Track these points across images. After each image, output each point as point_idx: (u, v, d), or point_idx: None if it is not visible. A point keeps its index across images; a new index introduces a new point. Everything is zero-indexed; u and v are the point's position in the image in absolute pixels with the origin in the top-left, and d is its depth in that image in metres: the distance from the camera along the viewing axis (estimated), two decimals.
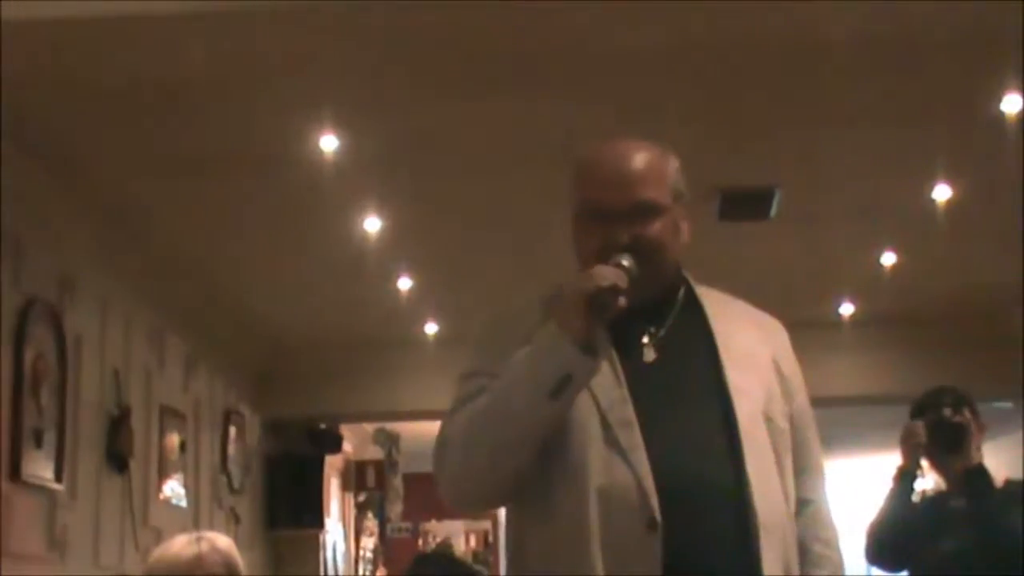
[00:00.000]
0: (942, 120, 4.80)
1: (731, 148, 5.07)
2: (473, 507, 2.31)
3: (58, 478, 5.00)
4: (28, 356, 4.83)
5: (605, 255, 2.04)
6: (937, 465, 3.83)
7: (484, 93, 4.51)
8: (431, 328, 7.55)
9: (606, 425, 2.02)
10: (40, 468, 4.87)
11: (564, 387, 1.95)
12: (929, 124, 4.84)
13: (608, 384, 2.04)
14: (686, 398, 2.09)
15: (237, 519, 7.54)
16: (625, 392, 2.04)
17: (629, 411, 2.03)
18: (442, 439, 2.07)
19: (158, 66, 4.19)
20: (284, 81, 4.37)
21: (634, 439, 2.01)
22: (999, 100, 4.53)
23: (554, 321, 1.98)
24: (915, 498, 3.85)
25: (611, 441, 2.01)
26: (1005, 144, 4.82)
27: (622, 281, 1.98)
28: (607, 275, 1.98)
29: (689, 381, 2.11)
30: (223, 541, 3.07)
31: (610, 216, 2.07)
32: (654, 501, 1.97)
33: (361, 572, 10.82)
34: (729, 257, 6.21)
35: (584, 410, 2.02)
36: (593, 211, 2.09)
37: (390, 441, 10.55)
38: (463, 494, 2.11)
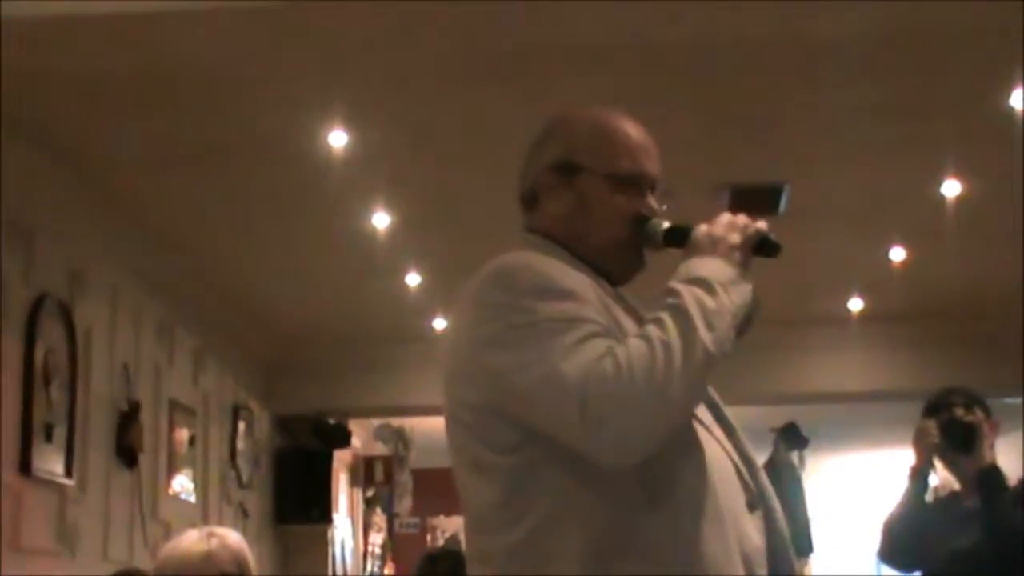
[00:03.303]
0: (951, 115, 4.79)
1: (740, 144, 5.06)
2: (640, 454, 1.80)
3: (68, 473, 5.01)
4: (38, 351, 4.84)
5: (641, 222, 2.03)
6: (950, 465, 3.82)
7: (492, 88, 4.51)
8: (440, 323, 7.56)
9: None
10: (50, 463, 4.88)
11: (746, 326, 1.90)
12: (938, 119, 4.83)
13: None
14: None
15: (246, 514, 7.55)
16: None
17: None
18: (610, 375, 1.76)
19: (168, 61, 4.20)
20: (294, 76, 4.38)
21: (707, 415, 1.98)
22: (1008, 95, 4.52)
23: (728, 263, 1.91)
24: (928, 497, 3.85)
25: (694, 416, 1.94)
26: (1014, 139, 4.81)
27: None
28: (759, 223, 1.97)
29: None
30: (233, 538, 3.07)
31: (645, 186, 2.06)
32: (748, 478, 1.95)
33: (369, 567, 10.83)
34: None
35: None
36: (632, 179, 2.05)
37: (395, 437, 10.55)
38: (646, 437, 1.79)
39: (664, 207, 2.08)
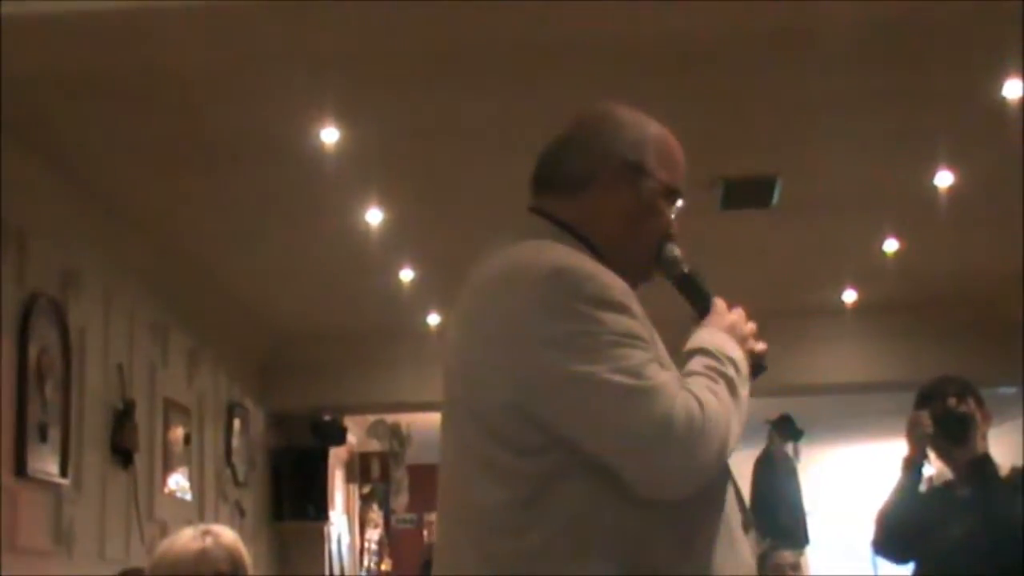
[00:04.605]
0: (943, 106, 4.80)
1: (732, 137, 5.06)
2: (693, 489, 1.83)
3: (63, 473, 5.00)
4: (32, 351, 4.83)
5: (668, 240, 2.06)
6: (943, 455, 3.83)
7: (485, 84, 4.51)
8: (434, 319, 7.56)
9: None
10: (45, 463, 4.88)
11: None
12: (930, 110, 4.84)
13: None
14: None
15: (242, 512, 7.55)
16: None
17: None
18: (696, 411, 1.80)
19: (160, 60, 4.19)
20: (285, 74, 4.37)
21: None
22: (1000, 86, 4.53)
23: (744, 354, 1.99)
24: (922, 487, 3.85)
25: None
26: (1006, 130, 4.82)
27: None
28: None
29: None
30: (229, 535, 3.06)
31: (675, 204, 2.09)
32: (742, 499, 1.97)
33: (366, 564, 10.83)
34: (731, 246, 6.22)
35: None
36: (673, 197, 2.08)
37: (388, 433, 10.55)
38: (706, 475, 1.84)
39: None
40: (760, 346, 2.05)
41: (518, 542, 1.82)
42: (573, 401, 1.81)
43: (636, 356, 1.82)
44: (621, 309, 1.85)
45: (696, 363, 1.92)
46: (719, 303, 2.06)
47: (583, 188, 2.03)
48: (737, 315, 2.05)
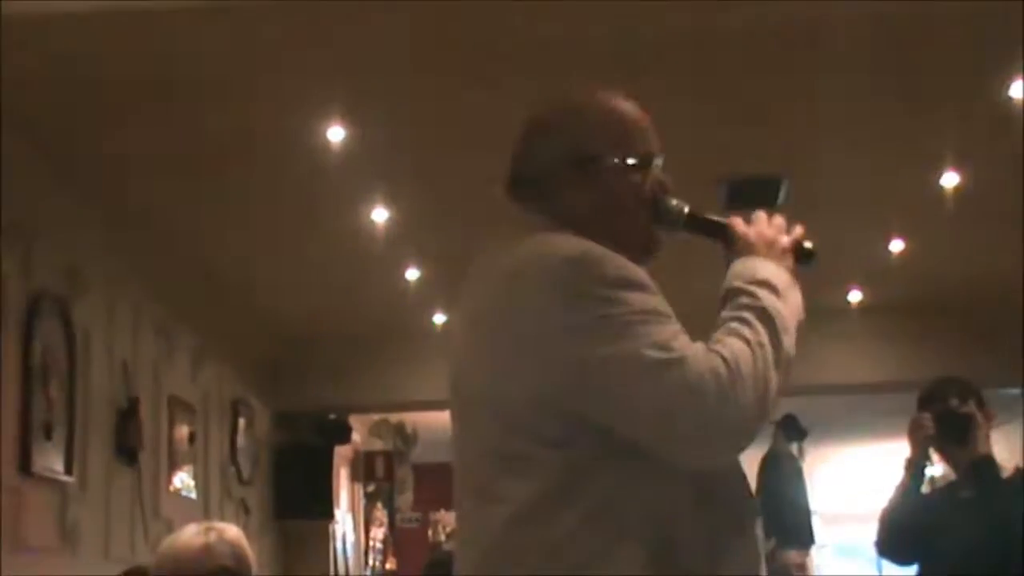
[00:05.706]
0: (950, 106, 4.79)
1: (737, 136, 5.06)
2: (741, 450, 1.85)
3: (68, 471, 5.01)
4: (37, 349, 4.84)
5: (657, 201, 2.02)
6: (945, 456, 3.83)
7: (491, 83, 4.51)
8: (439, 318, 7.56)
9: None
10: (50, 461, 4.88)
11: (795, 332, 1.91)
12: (936, 110, 4.83)
13: None
14: None
15: (247, 510, 7.56)
16: None
17: None
18: (723, 373, 1.77)
19: (165, 59, 4.20)
20: (290, 74, 4.37)
21: None
22: (1007, 86, 4.53)
23: (783, 267, 1.95)
24: (925, 488, 3.85)
25: None
26: (1013, 130, 4.81)
27: None
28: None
29: None
30: (232, 532, 3.07)
31: (651, 164, 2.03)
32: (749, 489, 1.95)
33: (371, 562, 10.83)
34: None
35: None
36: (645, 159, 2.02)
37: (392, 432, 10.56)
38: (752, 433, 1.83)
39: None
40: (797, 230, 2.00)
41: (544, 532, 1.79)
42: (604, 384, 1.78)
43: (664, 331, 1.79)
44: (641, 287, 1.83)
45: (726, 310, 1.88)
46: (736, 224, 2.01)
47: (551, 191, 2.03)
48: (757, 221, 2.00)
